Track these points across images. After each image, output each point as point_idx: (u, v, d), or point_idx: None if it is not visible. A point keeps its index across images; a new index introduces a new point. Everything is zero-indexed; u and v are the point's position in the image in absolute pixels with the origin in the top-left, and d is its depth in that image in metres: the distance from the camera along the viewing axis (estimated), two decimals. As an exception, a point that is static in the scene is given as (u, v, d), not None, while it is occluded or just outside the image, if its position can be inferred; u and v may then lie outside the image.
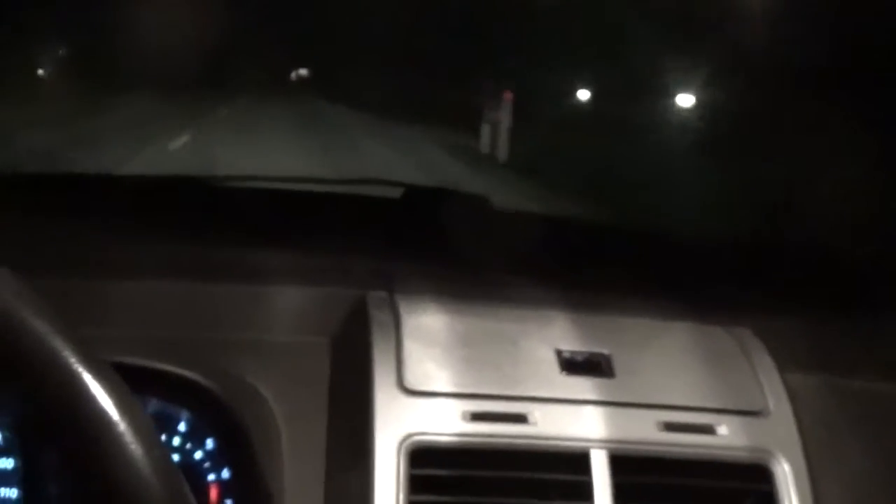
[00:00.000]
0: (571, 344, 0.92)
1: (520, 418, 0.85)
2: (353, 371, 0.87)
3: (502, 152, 9.51)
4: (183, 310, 0.94)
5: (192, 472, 0.88)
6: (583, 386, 0.89)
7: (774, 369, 0.95)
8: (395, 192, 1.44)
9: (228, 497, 0.87)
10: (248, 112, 18.10)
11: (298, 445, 0.85)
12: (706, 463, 0.87)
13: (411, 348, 0.88)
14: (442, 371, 0.87)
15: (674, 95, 8.46)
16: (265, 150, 10.00)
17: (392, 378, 0.85)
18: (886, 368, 1.02)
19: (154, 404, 0.86)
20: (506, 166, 8.51)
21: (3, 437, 0.90)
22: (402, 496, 0.80)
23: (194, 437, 0.89)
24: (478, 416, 0.84)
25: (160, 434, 0.49)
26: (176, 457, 0.87)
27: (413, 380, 0.85)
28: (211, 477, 0.88)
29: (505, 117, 9.73)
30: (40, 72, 13.47)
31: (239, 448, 0.84)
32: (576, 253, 1.24)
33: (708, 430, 0.88)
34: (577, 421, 0.86)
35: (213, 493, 0.88)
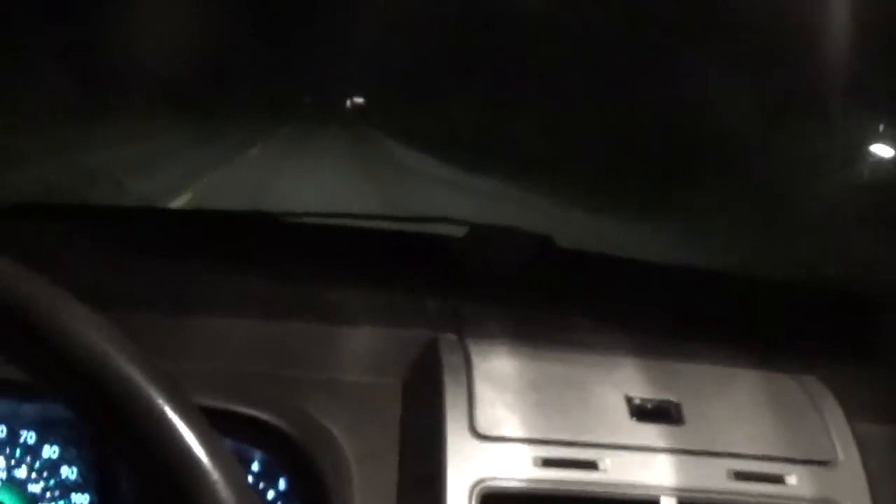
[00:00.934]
0: (641, 390, 0.92)
1: (590, 465, 0.85)
2: (425, 414, 0.88)
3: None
4: (257, 347, 0.95)
5: None
6: (653, 433, 0.88)
7: (843, 418, 0.94)
8: (459, 231, 1.45)
9: None
10: (300, 141, 18.27)
11: (370, 487, 0.85)
12: None
13: (482, 392, 0.88)
14: (513, 416, 0.87)
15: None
16: (317, 182, 10.10)
17: (464, 422, 0.85)
18: None
19: (228, 444, 0.88)
20: (568, 203, 8.45)
21: (80, 472, 0.92)
22: None
23: (267, 477, 0.90)
24: (549, 463, 0.84)
25: None
26: None
27: (485, 424, 0.85)
28: None
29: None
30: (85, 97, 13.78)
31: (311, 488, 0.85)
32: (642, 294, 1.23)
33: (777, 479, 0.88)
34: (648, 468, 0.86)
35: None
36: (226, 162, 11.65)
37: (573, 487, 0.84)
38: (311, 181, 10.11)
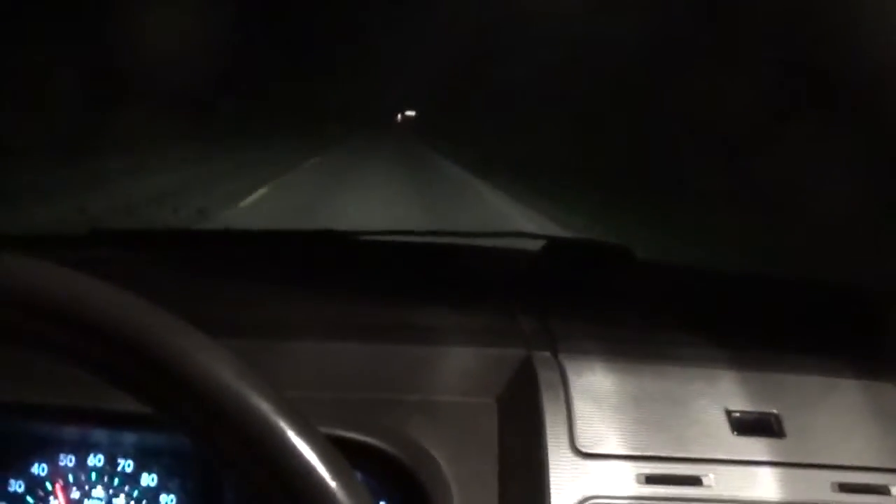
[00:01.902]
0: (740, 403, 0.90)
1: (694, 480, 0.84)
2: (524, 432, 0.87)
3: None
4: (355, 371, 0.95)
5: None
6: (755, 447, 0.87)
7: None
8: (534, 245, 1.44)
9: None
10: (352, 155, 18.40)
11: None
12: None
13: (581, 409, 0.87)
14: (613, 432, 0.86)
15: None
16: (370, 197, 10.16)
17: (564, 440, 0.84)
18: None
19: None
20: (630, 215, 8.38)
21: (179, 501, 0.92)
22: None
23: None
24: (653, 479, 0.83)
25: None
26: None
27: (586, 441, 0.84)
28: None
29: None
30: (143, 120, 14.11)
31: None
32: (725, 305, 1.21)
33: (883, 490, 0.86)
34: (752, 483, 0.84)
35: None
36: (279, 182, 11.80)
37: (678, 503, 0.83)
38: (361, 199, 10.19)
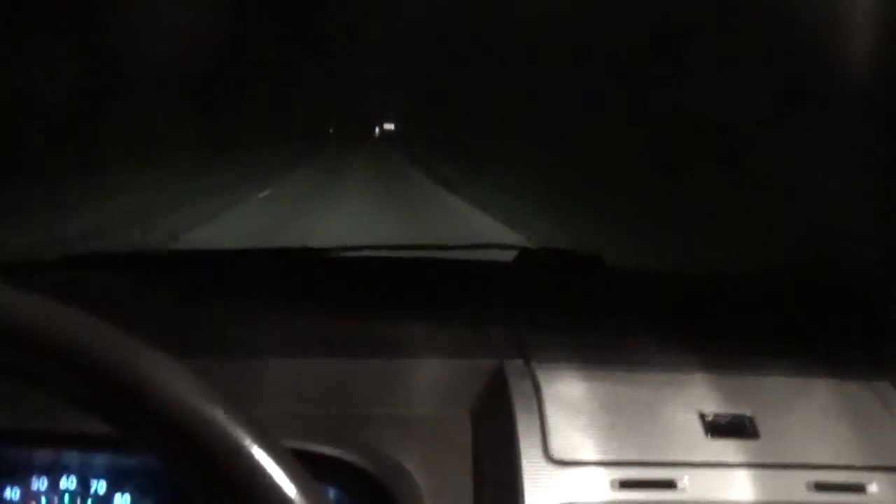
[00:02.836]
0: (713, 406, 0.91)
1: (669, 484, 0.84)
2: (497, 442, 0.87)
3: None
4: (325, 385, 0.94)
5: None
6: (729, 449, 0.87)
7: None
8: (507, 255, 1.45)
9: None
10: (330, 170, 18.31)
11: None
12: None
13: (554, 417, 0.87)
14: (587, 439, 0.86)
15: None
16: (348, 211, 10.13)
17: (538, 448, 0.84)
18: None
19: None
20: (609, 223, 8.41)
21: None
22: None
23: None
24: (627, 484, 0.83)
25: None
26: None
27: (559, 449, 0.84)
28: None
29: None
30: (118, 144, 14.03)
31: None
32: (696, 309, 1.22)
33: (859, 488, 0.86)
34: (727, 485, 0.84)
35: None
36: (248, 200, 11.75)
37: None
38: (332, 215, 10.15)
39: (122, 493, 0.92)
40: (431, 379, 0.95)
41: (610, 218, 8.37)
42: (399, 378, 0.95)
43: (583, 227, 8.21)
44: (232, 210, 10.15)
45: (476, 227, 9.56)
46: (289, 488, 0.48)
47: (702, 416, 0.89)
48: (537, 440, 0.85)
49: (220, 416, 0.48)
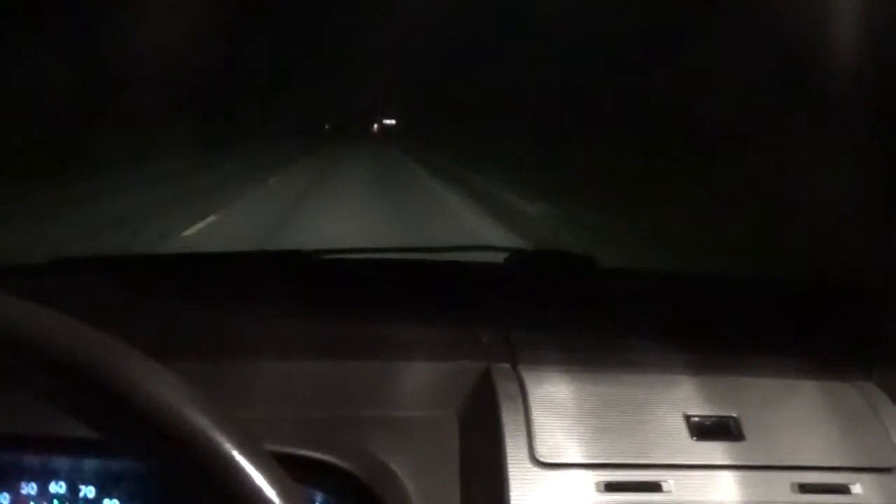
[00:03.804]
0: (699, 408, 0.91)
1: (654, 487, 0.84)
2: (484, 444, 0.87)
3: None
4: (312, 388, 0.95)
5: None
6: (714, 450, 0.88)
7: None
8: (498, 257, 1.44)
9: None
10: (315, 171, 18.28)
11: None
12: None
13: (540, 420, 0.87)
14: (572, 442, 0.86)
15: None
16: (347, 215, 10.10)
17: (524, 451, 0.85)
18: None
19: None
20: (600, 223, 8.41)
21: None
22: None
23: None
24: (612, 487, 0.83)
25: None
26: None
27: (545, 451, 0.85)
28: None
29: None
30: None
31: None
32: (683, 311, 1.22)
33: (843, 489, 0.86)
34: (712, 487, 0.85)
35: None
36: (243, 199, 11.71)
37: None
38: (324, 217, 10.12)
39: (111, 498, 0.92)
40: (419, 381, 0.95)
41: (604, 219, 8.39)
42: (387, 380, 0.95)
43: (577, 228, 8.22)
44: (225, 211, 10.10)
45: (470, 226, 9.55)
46: (269, 492, 0.48)
47: (687, 418, 0.89)
48: (523, 442, 0.85)
49: (203, 421, 0.49)
